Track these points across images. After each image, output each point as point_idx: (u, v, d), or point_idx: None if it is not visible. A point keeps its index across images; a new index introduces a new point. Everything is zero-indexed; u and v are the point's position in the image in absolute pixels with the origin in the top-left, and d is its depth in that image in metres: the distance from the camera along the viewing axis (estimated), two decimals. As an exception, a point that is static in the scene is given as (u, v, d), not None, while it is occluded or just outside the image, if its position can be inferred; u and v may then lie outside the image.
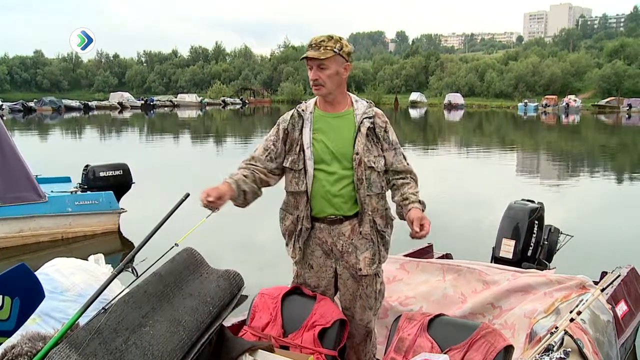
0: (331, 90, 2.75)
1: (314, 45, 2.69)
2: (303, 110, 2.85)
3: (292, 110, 2.90)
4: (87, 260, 3.24)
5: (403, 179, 2.89)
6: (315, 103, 2.88)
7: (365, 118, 2.80)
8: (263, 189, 2.89)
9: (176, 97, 75.90)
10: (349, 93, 2.92)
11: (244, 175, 2.78)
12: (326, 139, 2.79)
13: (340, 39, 2.73)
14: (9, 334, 2.23)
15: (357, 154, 2.75)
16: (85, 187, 8.41)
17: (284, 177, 2.93)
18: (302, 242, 2.84)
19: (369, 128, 2.79)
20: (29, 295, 2.26)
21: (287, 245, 2.96)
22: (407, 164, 2.91)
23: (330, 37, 2.70)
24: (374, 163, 2.79)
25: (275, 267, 6.57)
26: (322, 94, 2.77)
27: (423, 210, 2.80)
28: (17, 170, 7.39)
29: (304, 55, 2.70)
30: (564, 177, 15.29)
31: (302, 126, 2.82)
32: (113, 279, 2.20)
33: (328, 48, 2.67)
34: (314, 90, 2.77)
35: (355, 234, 2.82)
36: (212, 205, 2.57)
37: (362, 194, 2.78)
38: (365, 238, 2.82)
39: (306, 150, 2.78)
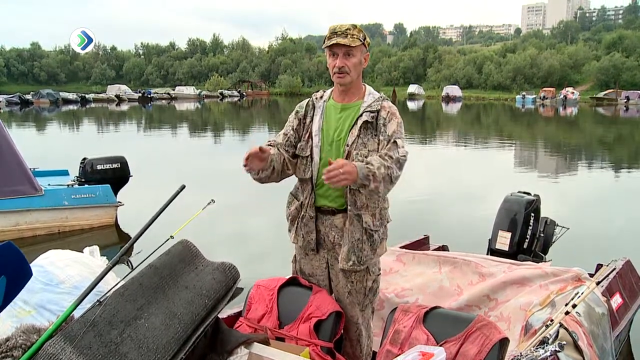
0: (353, 79, 2.75)
1: (339, 32, 2.66)
2: (317, 99, 2.88)
3: (309, 98, 2.93)
4: (82, 252, 3.24)
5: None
6: (331, 93, 2.89)
7: (366, 111, 2.73)
8: (280, 181, 2.89)
9: (174, 90, 75.73)
10: (366, 84, 2.90)
11: (274, 153, 2.76)
12: (330, 128, 2.80)
13: (362, 29, 2.73)
14: None
15: (347, 145, 2.72)
16: (83, 180, 8.39)
17: None
18: (305, 230, 2.85)
19: (366, 122, 2.72)
20: (16, 273, 2.21)
21: (289, 230, 2.97)
22: (395, 152, 2.65)
23: (354, 26, 2.70)
24: (366, 157, 2.66)
25: (270, 258, 6.59)
26: (346, 82, 2.74)
27: (363, 173, 2.49)
28: (12, 163, 7.36)
29: (332, 42, 2.65)
30: (560, 170, 15.30)
31: (313, 114, 2.85)
32: (108, 271, 2.20)
33: (355, 36, 2.67)
34: (338, 79, 2.71)
35: (344, 227, 2.80)
36: (250, 165, 2.59)
37: (350, 188, 2.71)
38: (346, 232, 2.77)
39: (314, 138, 2.80)
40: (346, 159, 2.67)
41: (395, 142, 2.68)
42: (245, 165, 2.60)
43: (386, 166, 2.57)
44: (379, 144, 2.72)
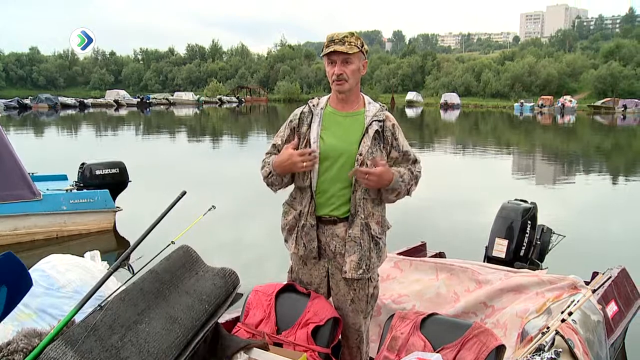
0: (352, 86, 2.76)
1: (337, 40, 2.69)
2: (314, 106, 2.86)
3: (304, 106, 2.90)
4: (82, 257, 3.25)
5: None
6: (328, 100, 2.88)
7: (375, 121, 2.78)
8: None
9: (172, 95, 75.90)
10: (363, 94, 2.92)
11: None
12: (333, 137, 2.78)
13: (359, 37, 2.75)
14: None
15: (360, 154, 2.72)
16: (82, 185, 8.40)
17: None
18: (306, 238, 2.82)
19: (376, 131, 2.76)
20: (16, 283, 2.23)
21: (286, 240, 2.94)
22: (417, 170, 2.87)
23: (352, 34, 2.72)
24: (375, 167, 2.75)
25: (269, 264, 6.61)
26: (345, 89, 2.75)
27: (395, 181, 2.71)
28: (11, 168, 7.35)
29: (329, 50, 2.68)
30: (557, 177, 15.35)
31: (311, 121, 2.82)
32: (109, 276, 2.22)
33: (352, 44, 2.69)
34: (337, 86, 2.74)
35: (347, 236, 2.79)
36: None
37: (358, 196, 2.76)
38: (354, 241, 2.77)
39: (312, 145, 2.76)
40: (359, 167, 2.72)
41: (415, 159, 2.89)
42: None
43: (412, 184, 2.84)
44: (388, 156, 2.81)
